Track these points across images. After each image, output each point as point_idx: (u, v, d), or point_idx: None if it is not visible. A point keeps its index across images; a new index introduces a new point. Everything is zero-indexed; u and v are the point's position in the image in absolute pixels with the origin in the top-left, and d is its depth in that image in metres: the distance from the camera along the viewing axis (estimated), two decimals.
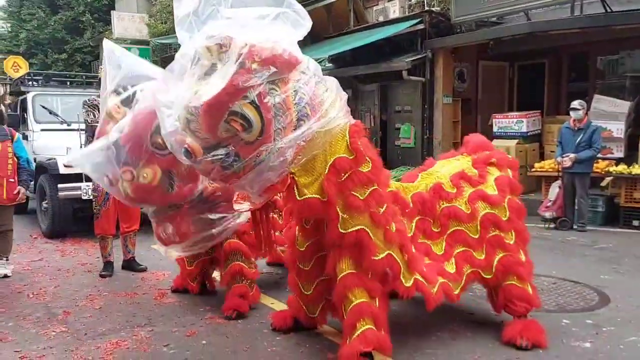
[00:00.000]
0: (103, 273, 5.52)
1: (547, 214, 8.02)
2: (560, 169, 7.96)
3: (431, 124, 11.30)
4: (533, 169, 9.14)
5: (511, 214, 3.81)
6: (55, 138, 7.54)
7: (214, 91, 2.76)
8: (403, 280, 3.28)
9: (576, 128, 7.82)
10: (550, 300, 4.72)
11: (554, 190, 8.09)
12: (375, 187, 3.20)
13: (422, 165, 4.24)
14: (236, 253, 4.38)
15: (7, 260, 5.65)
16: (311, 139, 2.98)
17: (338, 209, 3.13)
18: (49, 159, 7.13)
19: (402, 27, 10.87)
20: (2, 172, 5.36)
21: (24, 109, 8.42)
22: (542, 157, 9.94)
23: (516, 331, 3.71)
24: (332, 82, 3.20)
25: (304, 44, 13.33)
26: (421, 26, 10.82)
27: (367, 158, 3.18)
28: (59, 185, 6.85)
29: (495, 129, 10.33)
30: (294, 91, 2.91)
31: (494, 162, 3.99)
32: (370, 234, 3.17)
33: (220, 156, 2.87)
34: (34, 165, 5.96)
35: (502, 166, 4.00)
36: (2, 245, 5.62)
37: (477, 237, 3.71)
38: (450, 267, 3.64)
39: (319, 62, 10.71)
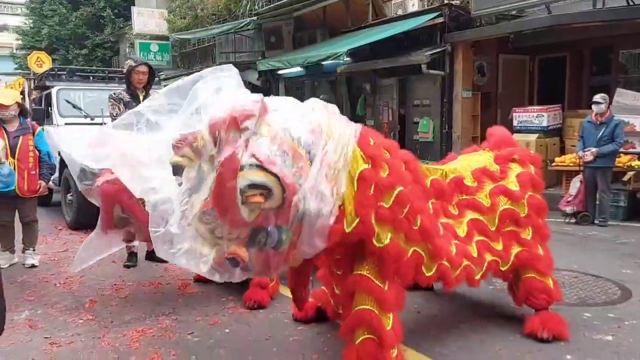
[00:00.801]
0: (127, 263, 5.62)
1: (568, 209, 7.96)
2: (581, 164, 7.90)
3: (450, 118, 11.26)
4: (553, 164, 9.07)
5: (530, 210, 3.79)
6: (79, 132, 7.65)
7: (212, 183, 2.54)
8: (425, 271, 3.24)
9: (598, 122, 7.75)
10: (571, 294, 4.71)
11: (575, 184, 8.03)
12: (399, 190, 3.05)
13: (443, 159, 4.26)
14: None
15: (34, 250, 5.78)
16: (336, 160, 2.78)
17: (373, 223, 2.96)
18: None
19: (421, 20, 10.84)
20: (24, 164, 5.46)
21: (49, 104, 8.56)
22: (562, 152, 9.88)
23: (537, 323, 3.73)
24: (315, 103, 2.99)
25: (322, 39, 13.37)
26: (440, 19, 10.79)
27: (382, 163, 3.04)
28: None
29: (515, 123, 10.26)
30: (283, 129, 2.65)
31: (516, 158, 3.97)
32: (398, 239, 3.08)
33: (264, 239, 2.62)
34: (55, 159, 6.04)
35: (525, 162, 3.98)
36: (28, 236, 5.75)
37: (494, 229, 3.71)
38: (473, 251, 3.61)
39: (336, 57, 10.76)
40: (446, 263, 3.31)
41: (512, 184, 3.83)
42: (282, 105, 2.84)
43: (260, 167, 2.52)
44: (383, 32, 11.22)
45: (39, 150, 5.66)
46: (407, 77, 12.15)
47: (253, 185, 2.51)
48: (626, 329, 3.93)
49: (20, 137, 5.51)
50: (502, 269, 3.74)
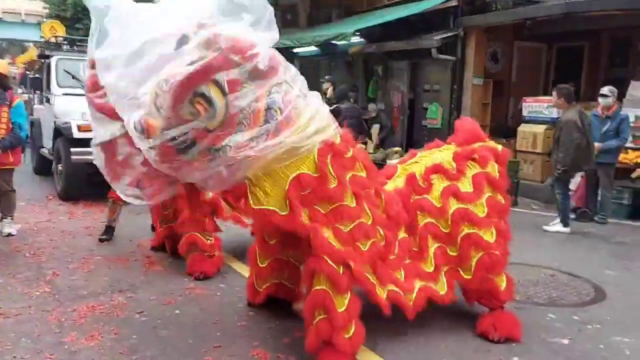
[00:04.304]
0: (102, 237, 5.63)
1: None
2: None
3: (459, 105, 10.96)
4: None
5: (490, 211, 3.62)
6: (74, 103, 7.64)
7: (188, 68, 2.67)
8: (379, 293, 3.20)
9: (604, 116, 7.45)
10: (542, 293, 4.55)
11: (576, 179, 7.75)
12: (340, 204, 3.06)
13: (405, 157, 4.13)
14: (193, 224, 4.57)
15: (12, 219, 5.81)
16: (284, 151, 2.90)
17: (305, 221, 2.99)
18: (65, 123, 7.28)
19: (433, 3, 10.52)
20: None
21: (48, 73, 8.58)
22: None
23: (489, 324, 3.61)
24: (315, 97, 3.13)
25: (338, 18, 13.12)
26: (455, 3, 10.46)
27: (334, 176, 3.04)
28: (72, 149, 7.00)
29: (524, 113, 9.96)
30: (268, 92, 2.82)
31: (476, 158, 3.76)
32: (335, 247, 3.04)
33: (174, 136, 2.74)
34: (27, 132, 5.89)
35: (485, 162, 3.76)
36: (4, 205, 5.77)
37: (447, 231, 3.57)
38: (429, 266, 3.53)
39: (344, 37, 10.53)
40: (395, 288, 3.28)
41: (467, 185, 3.65)
42: (288, 78, 2.98)
43: (225, 93, 2.71)
44: (395, 13, 10.95)
45: (13, 122, 5.61)
46: (419, 61, 11.86)
47: (207, 99, 2.69)
48: (587, 333, 3.77)
49: None
50: (465, 276, 3.61)
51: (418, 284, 3.41)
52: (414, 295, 3.37)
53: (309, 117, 2.98)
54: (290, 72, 2.99)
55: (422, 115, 11.91)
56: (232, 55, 2.71)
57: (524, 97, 10.19)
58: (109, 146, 3.82)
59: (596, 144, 7.32)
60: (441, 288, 3.54)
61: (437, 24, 11.06)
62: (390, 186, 3.74)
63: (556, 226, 6.88)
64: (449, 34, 10.57)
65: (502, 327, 3.55)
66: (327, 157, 3.05)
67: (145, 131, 2.74)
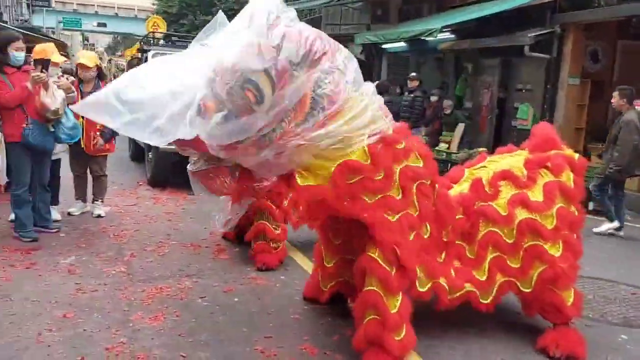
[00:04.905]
0: None
1: None
2: None
3: (553, 106, 10.42)
4: None
5: (559, 223, 3.44)
6: None
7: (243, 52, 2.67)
8: (418, 286, 3.19)
9: None
10: (618, 312, 4.26)
11: None
12: (386, 195, 3.03)
13: (473, 160, 4.01)
14: (263, 212, 4.66)
15: (102, 202, 6.26)
16: (337, 140, 2.89)
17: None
18: None
19: None
20: (91, 125, 5.80)
21: None
22: None
23: (552, 339, 3.43)
24: (368, 87, 3.09)
25: (429, 13, 12.80)
26: None
27: (382, 167, 3.01)
28: None
29: None
30: (316, 79, 2.78)
31: (549, 165, 3.60)
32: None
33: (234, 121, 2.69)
34: None
35: (559, 170, 3.58)
36: (97, 189, 6.24)
37: (511, 242, 3.44)
38: (481, 274, 3.43)
39: (430, 34, 10.24)
40: (443, 283, 3.26)
41: (537, 194, 3.49)
42: (339, 64, 2.93)
43: (272, 80, 2.66)
44: (488, 9, 10.56)
45: None
46: (511, 59, 11.38)
47: (256, 86, 2.64)
48: None
49: None
50: (524, 290, 3.46)
51: (467, 287, 3.36)
52: (457, 294, 3.33)
53: (363, 106, 2.95)
54: (342, 55, 2.93)
55: (512, 115, 11.43)
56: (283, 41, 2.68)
57: None
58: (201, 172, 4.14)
59: None
60: (486, 298, 3.45)
61: (532, 20, 10.54)
62: (455, 190, 3.67)
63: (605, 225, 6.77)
64: (545, 31, 10.05)
65: (565, 344, 3.36)
66: (377, 148, 3.01)
67: (203, 111, 2.74)
